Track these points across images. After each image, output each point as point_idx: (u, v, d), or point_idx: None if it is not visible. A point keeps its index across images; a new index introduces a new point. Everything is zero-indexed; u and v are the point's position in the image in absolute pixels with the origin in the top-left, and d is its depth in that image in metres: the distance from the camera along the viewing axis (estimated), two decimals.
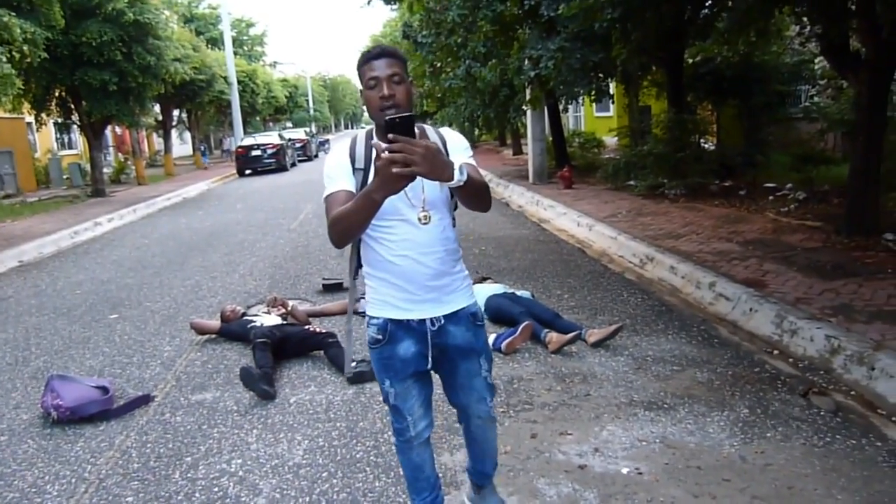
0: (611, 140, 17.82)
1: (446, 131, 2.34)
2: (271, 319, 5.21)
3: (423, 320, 2.28)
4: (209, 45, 31.92)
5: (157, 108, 25.14)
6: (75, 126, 20.19)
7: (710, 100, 13.33)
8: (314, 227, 10.96)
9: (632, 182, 11.60)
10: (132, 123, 18.86)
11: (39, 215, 14.45)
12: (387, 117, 1.91)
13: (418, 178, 1.89)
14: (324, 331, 4.97)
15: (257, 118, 43.01)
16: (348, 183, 2.20)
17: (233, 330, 5.30)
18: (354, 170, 2.22)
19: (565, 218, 9.86)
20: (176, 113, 29.29)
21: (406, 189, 2.02)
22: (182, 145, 38.66)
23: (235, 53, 34.58)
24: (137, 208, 15.21)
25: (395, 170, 1.79)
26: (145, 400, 4.27)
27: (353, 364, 4.43)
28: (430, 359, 2.33)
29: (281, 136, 27.39)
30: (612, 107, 21.04)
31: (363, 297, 6.05)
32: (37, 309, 6.97)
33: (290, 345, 4.86)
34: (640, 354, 4.57)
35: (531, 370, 4.40)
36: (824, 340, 4.28)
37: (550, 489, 3.01)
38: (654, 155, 11.33)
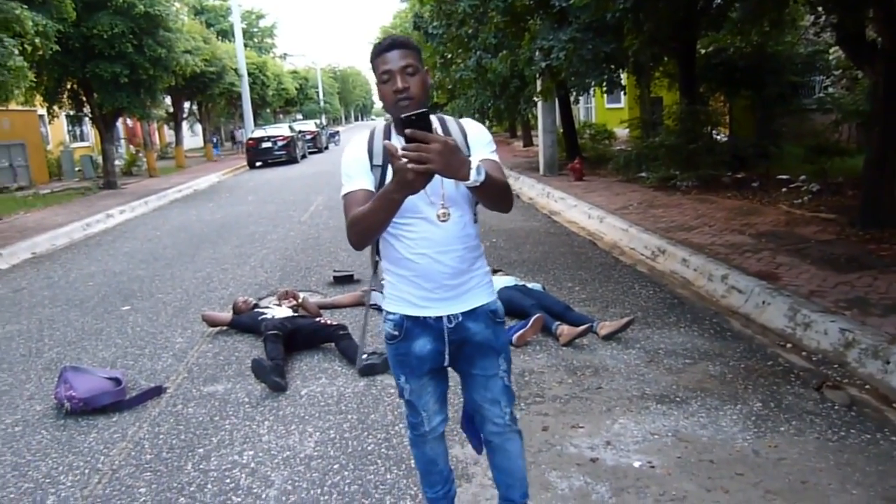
0: (622, 131, 17.74)
1: (468, 123, 2.24)
2: (282, 311, 5.22)
3: (440, 317, 2.21)
4: (219, 37, 31.95)
5: (167, 100, 25.19)
6: (87, 118, 20.27)
7: (722, 91, 13.22)
8: (325, 219, 10.98)
9: (643, 174, 11.53)
10: (143, 116, 18.89)
11: (52, 207, 14.53)
12: (402, 115, 1.84)
13: (437, 174, 1.84)
14: (335, 323, 4.98)
15: (268, 110, 43.08)
16: (366, 181, 2.14)
17: (244, 322, 5.32)
18: (372, 166, 2.16)
19: (576, 210, 9.82)
20: (187, 105, 29.35)
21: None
22: (193, 137, 38.77)
23: (246, 45, 34.60)
24: (149, 200, 15.26)
25: (409, 166, 1.74)
26: (157, 391, 4.28)
27: (364, 356, 4.44)
28: (446, 356, 2.27)
29: (291, 128, 27.41)
30: (623, 98, 20.96)
31: (374, 289, 6.04)
32: (50, 300, 7.01)
33: (301, 337, 4.87)
34: (651, 347, 4.55)
35: (542, 363, 4.38)
36: (838, 334, 4.25)
37: (562, 482, 3.00)
38: (665, 146, 11.26)
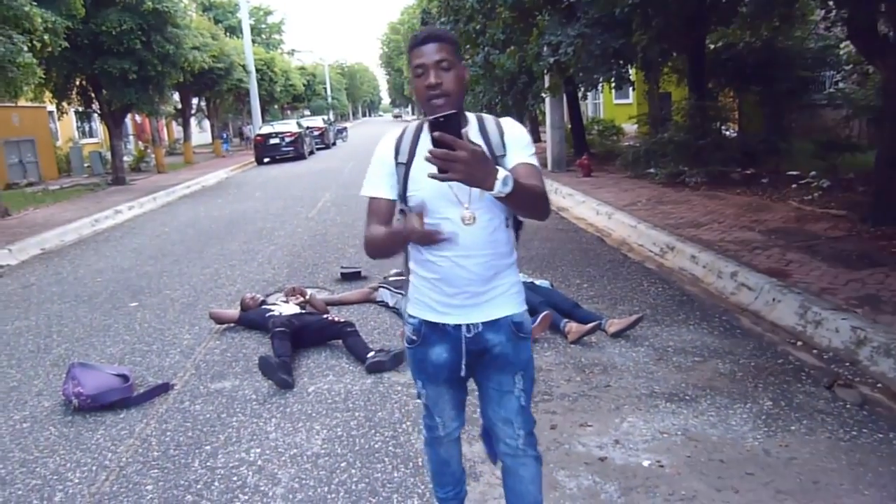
0: (630, 127, 17.67)
1: (507, 123, 2.10)
2: (290, 308, 5.21)
3: (459, 325, 2.10)
4: (227, 34, 31.95)
5: (176, 96, 25.24)
6: (96, 115, 20.33)
7: (731, 86, 13.15)
8: (332, 216, 10.97)
9: (652, 170, 11.48)
10: (151, 112, 18.94)
11: (61, 203, 14.58)
12: (430, 118, 1.73)
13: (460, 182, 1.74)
14: (342, 320, 4.96)
15: (275, 106, 43.10)
16: (387, 186, 2.09)
17: (251, 318, 5.31)
18: (397, 164, 2.08)
19: (584, 206, 9.79)
20: (195, 101, 29.41)
21: (452, 184, 1.89)
22: (201, 133, 38.84)
23: (254, 41, 34.64)
24: (157, 196, 15.30)
25: (429, 174, 1.67)
26: (165, 388, 4.28)
27: (372, 354, 4.43)
28: (463, 367, 2.15)
29: (299, 125, 27.41)
30: (631, 94, 20.85)
31: (382, 286, 6.03)
32: (58, 296, 7.03)
33: (309, 334, 4.86)
34: (660, 345, 4.52)
35: (550, 361, 4.36)
36: (850, 331, 4.20)
37: (570, 481, 2.98)
38: (674, 142, 11.21)
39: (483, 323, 2.10)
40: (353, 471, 3.20)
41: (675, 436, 3.32)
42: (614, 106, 24.03)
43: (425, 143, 2.00)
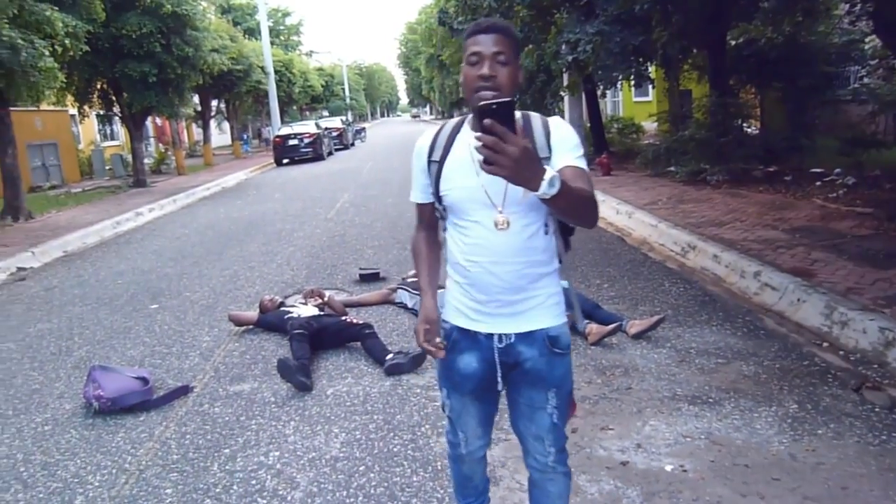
0: (650, 125, 17.53)
1: (556, 123, 1.97)
2: (308, 310, 5.20)
3: (491, 335, 1.99)
4: (246, 36, 32.14)
5: (195, 98, 25.44)
6: (117, 118, 20.54)
7: (753, 83, 12.97)
8: (350, 216, 10.97)
9: (672, 168, 11.36)
10: (171, 114, 19.09)
11: (83, 206, 14.74)
12: (481, 103, 1.57)
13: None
14: (360, 322, 4.94)
15: (294, 107, 43.31)
16: (423, 188, 2.04)
17: (270, 321, 5.31)
18: (430, 162, 2.00)
19: (604, 205, 9.69)
20: (214, 103, 29.63)
21: (485, 185, 1.83)
22: (221, 135, 39.12)
23: (272, 43, 34.80)
24: (177, 198, 15.41)
25: (480, 165, 1.53)
26: (184, 391, 4.29)
27: (390, 356, 4.41)
28: (499, 379, 2.04)
29: (317, 125, 27.51)
30: (651, 91, 20.71)
31: (401, 287, 6.00)
32: (80, 299, 7.08)
33: (327, 336, 4.84)
34: (683, 346, 4.45)
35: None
36: (878, 332, 4.11)
37: (592, 486, 2.93)
38: (695, 140, 11.09)
39: (516, 334, 1.98)
40: (372, 475, 3.17)
41: (698, 440, 3.26)
42: (634, 104, 23.88)
43: (462, 141, 1.95)
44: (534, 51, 13.29)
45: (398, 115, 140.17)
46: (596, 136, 15.81)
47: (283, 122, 32.21)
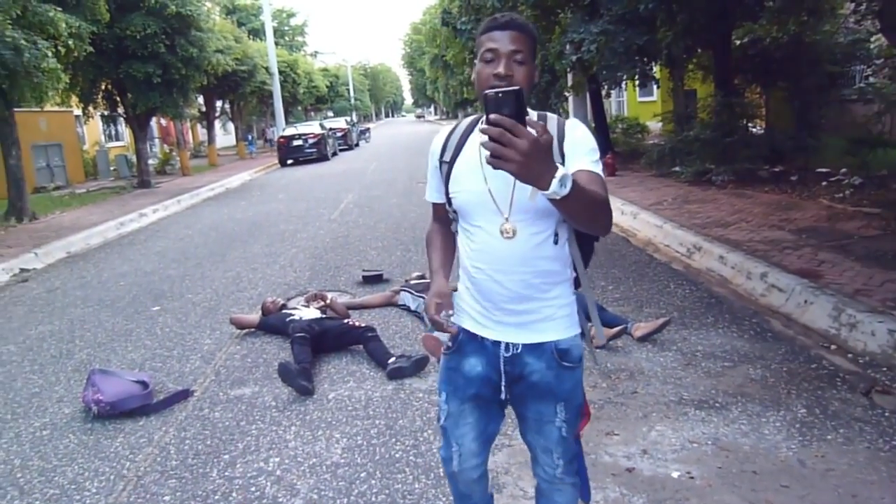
0: (655, 125, 17.44)
1: (571, 125, 1.87)
2: (310, 313, 5.16)
3: (498, 342, 1.91)
4: (251, 36, 32.18)
5: (200, 99, 25.47)
6: (121, 118, 20.57)
7: (758, 82, 12.90)
8: (354, 217, 10.93)
9: (677, 168, 11.29)
10: (176, 115, 19.11)
11: (87, 206, 14.74)
12: (486, 91, 1.44)
13: (509, 177, 1.47)
14: (363, 325, 4.89)
15: (299, 108, 43.35)
16: (436, 188, 1.98)
17: (272, 323, 5.27)
18: (441, 162, 1.92)
19: None
20: (219, 104, 29.65)
21: (493, 191, 1.75)
22: (226, 136, 39.16)
23: (276, 44, 34.83)
24: (181, 199, 15.40)
25: (486, 159, 1.41)
26: (185, 395, 4.25)
27: (392, 359, 4.36)
28: (502, 388, 1.95)
29: (322, 126, 27.49)
30: (656, 91, 20.58)
31: (404, 290, 5.94)
32: (82, 300, 7.05)
33: (329, 339, 4.80)
34: (689, 349, 4.40)
35: None
36: (887, 335, 4.05)
37: (597, 493, 2.87)
38: (700, 140, 11.02)
39: (524, 345, 1.89)
40: (374, 481, 3.13)
41: (705, 445, 3.21)
42: (638, 103, 23.78)
43: (473, 142, 1.87)
44: (538, 51, 13.23)
45: (403, 116, 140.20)
46: (600, 136, 15.71)
47: (287, 122, 32.23)
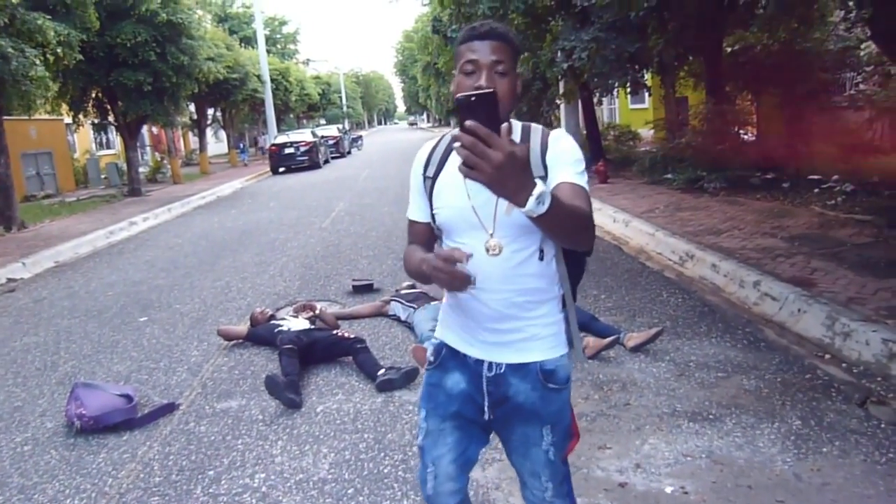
0: (647, 132, 17.45)
1: (556, 136, 1.78)
2: (299, 323, 5.09)
3: (481, 361, 1.84)
4: (243, 44, 32.16)
5: (191, 107, 25.37)
6: (112, 126, 20.48)
7: (749, 89, 12.92)
8: (346, 226, 10.87)
9: (669, 176, 11.27)
10: (167, 123, 19.06)
11: (77, 215, 14.63)
12: (458, 95, 1.38)
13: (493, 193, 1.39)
14: (352, 336, 4.82)
15: (291, 115, 43.29)
16: (420, 206, 1.87)
17: (260, 334, 5.20)
18: (424, 178, 1.84)
19: (600, 214, 9.61)
20: (210, 112, 29.56)
21: (476, 207, 1.67)
22: (217, 143, 39.06)
23: (269, 51, 34.82)
24: (172, 207, 15.30)
25: (459, 167, 1.33)
26: (170, 408, 4.17)
27: (382, 371, 4.29)
28: (485, 409, 1.86)
29: (314, 134, 27.46)
30: (647, 98, 20.64)
31: (395, 300, 5.86)
32: (69, 311, 6.96)
33: (318, 350, 4.73)
34: (682, 360, 4.34)
35: None
36: (881, 344, 4.01)
37: None
38: (692, 147, 11.03)
39: (507, 365, 1.82)
40: (361, 498, 3.06)
41: (699, 459, 3.15)
42: (630, 111, 23.82)
43: (457, 156, 1.79)
44: (529, 58, 13.20)
45: (395, 123, 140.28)
46: (592, 144, 15.71)
47: (279, 130, 32.16)
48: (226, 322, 5.87)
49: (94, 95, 17.66)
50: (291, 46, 53.65)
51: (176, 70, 16.65)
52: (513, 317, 1.78)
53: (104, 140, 29.05)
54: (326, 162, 27.78)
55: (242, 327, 5.41)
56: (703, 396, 3.81)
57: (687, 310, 5.36)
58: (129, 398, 4.11)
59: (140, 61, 15.82)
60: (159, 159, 26.19)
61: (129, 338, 5.83)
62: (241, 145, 34.22)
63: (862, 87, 12.52)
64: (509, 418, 1.87)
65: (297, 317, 5.30)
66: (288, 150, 24.89)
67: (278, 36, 51.10)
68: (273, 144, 25.93)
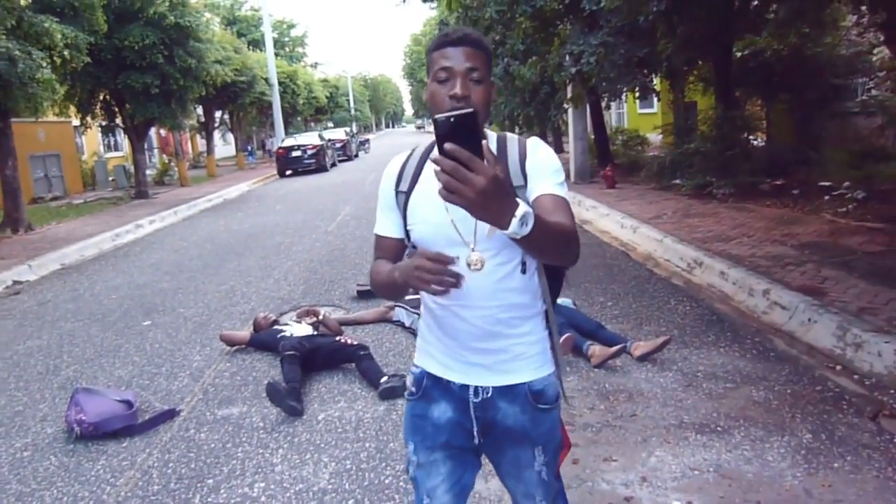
0: (655, 137, 17.36)
1: (533, 145, 1.72)
2: (302, 329, 5.04)
3: (466, 386, 1.75)
4: (251, 47, 32.22)
5: (199, 109, 25.41)
6: (120, 129, 20.53)
7: (759, 95, 12.85)
8: (351, 230, 10.83)
9: (678, 181, 11.19)
10: (174, 125, 19.06)
11: (84, 217, 14.64)
12: (436, 115, 1.32)
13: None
14: (355, 342, 4.77)
15: (298, 118, 43.33)
16: (391, 221, 1.78)
17: (262, 340, 5.15)
18: (397, 193, 1.76)
19: (608, 219, 9.54)
20: (218, 114, 29.61)
21: (455, 222, 1.59)
22: (225, 146, 39.11)
23: (276, 54, 34.85)
24: (178, 210, 15.31)
25: (439, 191, 1.27)
26: (170, 415, 4.12)
27: (385, 379, 4.24)
28: (475, 434, 1.77)
29: (321, 137, 27.46)
30: (656, 103, 20.52)
31: (399, 305, 5.80)
32: (73, 314, 6.94)
33: (320, 357, 4.68)
34: (689, 370, 4.27)
35: (572, 386, 4.13)
36: (893, 355, 3.93)
37: None
38: (701, 153, 10.93)
39: (494, 388, 1.73)
40: None
41: (706, 472, 3.08)
42: (638, 115, 23.72)
43: (431, 169, 1.73)
44: (537, 63, 13.15)
45: (403, 126, 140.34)
46: (600, 149, 15.67)
47: (287, 133, 32.18)
48: (229, 327, 5.84)
49: (101, 98, 17.71)
50: (299, 49, 53.74)
51: (183, 73, 16.69)
52: (498, 334, 1.70)
53: (112, 142, 29.12)
54: (333, 165, 27.77)
55: (245, 332, 5.37)
56: (711, 408, 3.73)
57: (695, 318, 5.29)
58: (129, 404, 4.07)
59: (148, 64, 15.86)
60: (167, 162, 26.23)
61: (132, 342, 5.79)
62: (249, 148, 34.26)
63: (874, 92, 12.42)
64: (499, 442, 1.80)
65: (300, 322, 5.25)
66: (295, 154, 24.92)
67: (286, 39, 51.19)
68: (280, 147, 25.97)
